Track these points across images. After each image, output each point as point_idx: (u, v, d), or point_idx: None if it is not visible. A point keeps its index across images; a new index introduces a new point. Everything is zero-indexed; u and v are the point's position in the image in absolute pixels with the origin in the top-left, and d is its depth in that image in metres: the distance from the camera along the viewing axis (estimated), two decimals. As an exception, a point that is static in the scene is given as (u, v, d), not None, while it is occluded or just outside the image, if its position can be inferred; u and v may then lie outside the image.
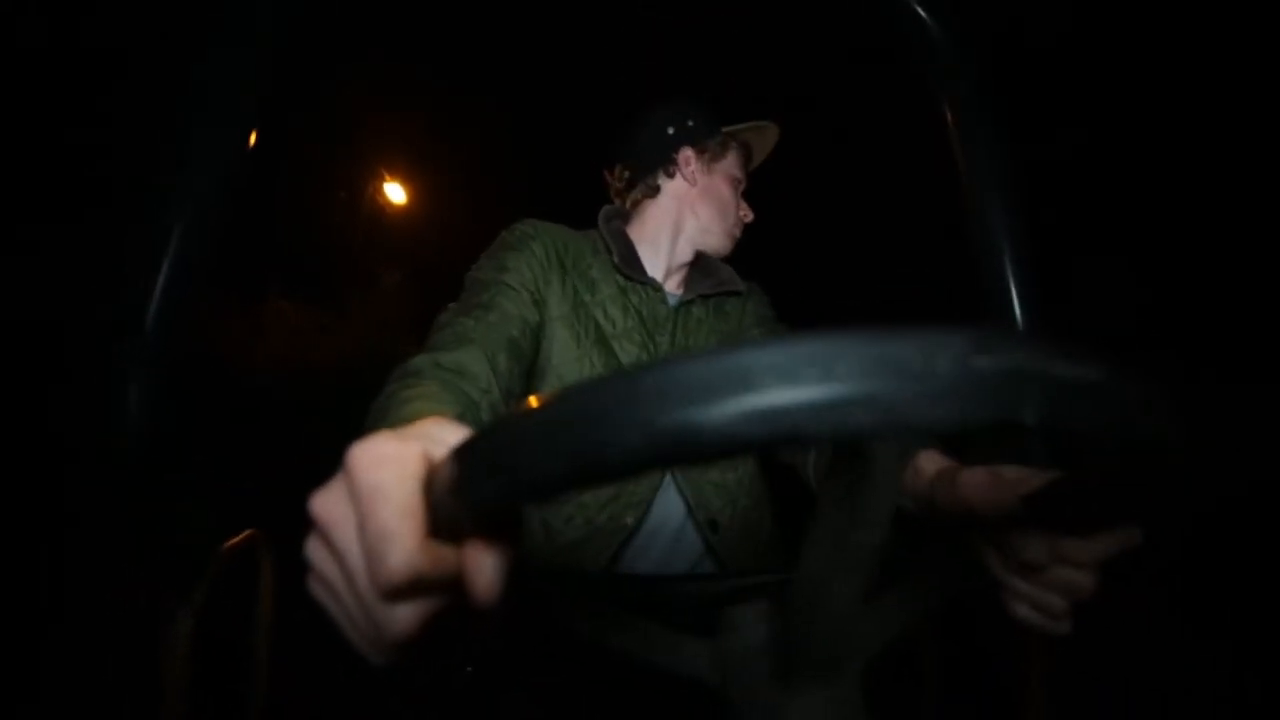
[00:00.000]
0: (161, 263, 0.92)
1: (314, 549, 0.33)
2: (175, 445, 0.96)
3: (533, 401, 0.22)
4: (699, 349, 1.04)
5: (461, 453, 0.25)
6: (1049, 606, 0.44)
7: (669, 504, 0.94)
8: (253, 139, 1.06)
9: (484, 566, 0.30)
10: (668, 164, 1.08)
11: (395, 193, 10.45)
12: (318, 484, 0.34)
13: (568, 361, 0.94)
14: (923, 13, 0.92)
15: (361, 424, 0.72)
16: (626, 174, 1.11)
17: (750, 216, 1.11)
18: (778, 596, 0.38)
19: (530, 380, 0.95)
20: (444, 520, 0.28)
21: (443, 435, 0.33)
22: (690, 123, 1.07)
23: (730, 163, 1.10)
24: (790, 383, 0.17)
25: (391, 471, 0.30)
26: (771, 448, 0.19)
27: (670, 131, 1.08)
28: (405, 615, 0.31)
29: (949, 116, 1.04)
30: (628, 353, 0.98)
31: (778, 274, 1.28)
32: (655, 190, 1.09)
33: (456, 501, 0.26)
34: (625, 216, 1.13)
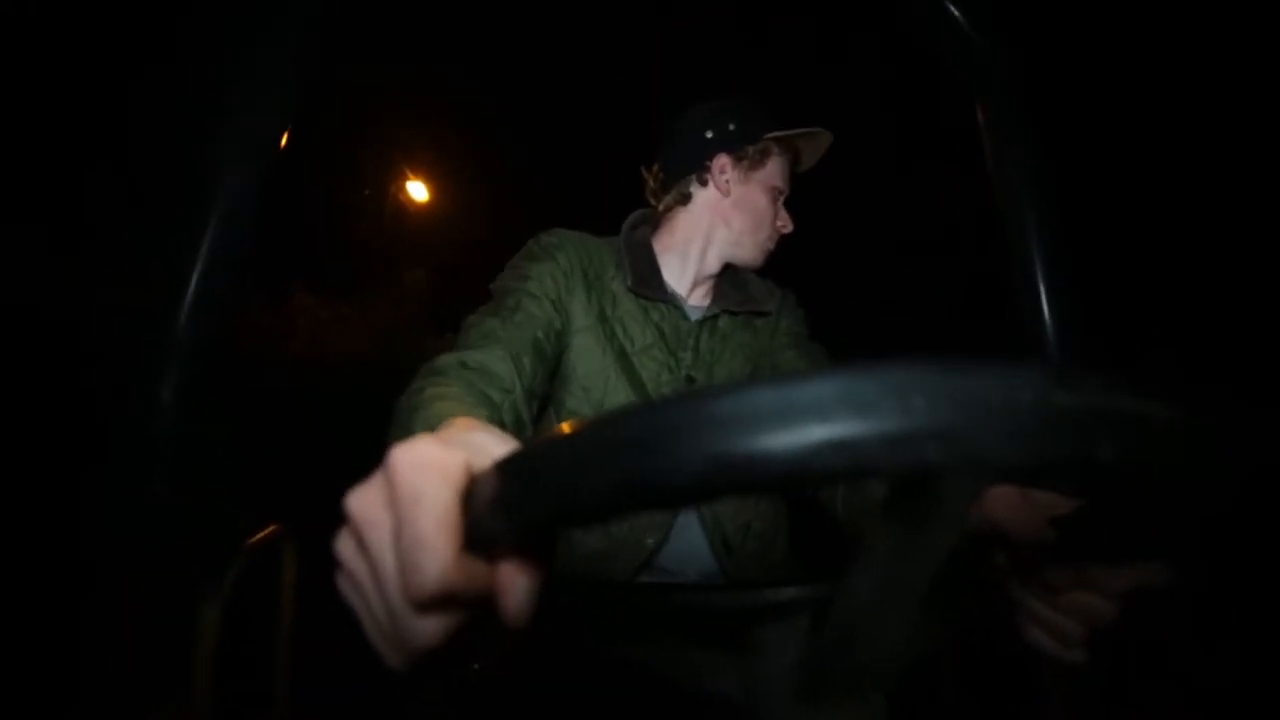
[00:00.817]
0: (196, 256, 0.93)
1: (345, 547, 0.32)
2: (206, 440, 0.97)
3: (579, 422, 0.21)
4: (732, 372, 0.99)
5: (507, 467, 0.25)
6: (1066, 632, 0.43)
7: (689, 526, 0.93)
8: (285, 136, 1.07)
9: (518, 585, 0.29)
10: (701, 171, 1.02)
11: (418, 191, 10.58)
12: (338, 478, 0.33)
13: (591, 373, 0.94)
14: (959, 16, 0.90)
15: (381, 420, 0.72)
16: (661, 176, 1.06)
17: (789, 227, 1.04)
18: (810, 620, 0.37)
19: (554, 385, 0.95)
20: (482, 535, 0.27)
21: (487, 445, 0.32)
22: (731, 126, 1.01)
23: (771, 171, 1.01)
24: (863, 414, 0.17)
25: (434, 479, 0.29)
26: (839, 480, 0.18)
27: (709, 136, 1.01)
28: (432, 626, 0.30)
29: (983, 122, 1.02)
30: (648, 369, 0.96)
31: (803, 283, 1.21)
32: (687, 198, 1.04)
33: (498, 517, 0.25)
34: (655, 223, 1.08)
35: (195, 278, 0.92)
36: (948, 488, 0.24)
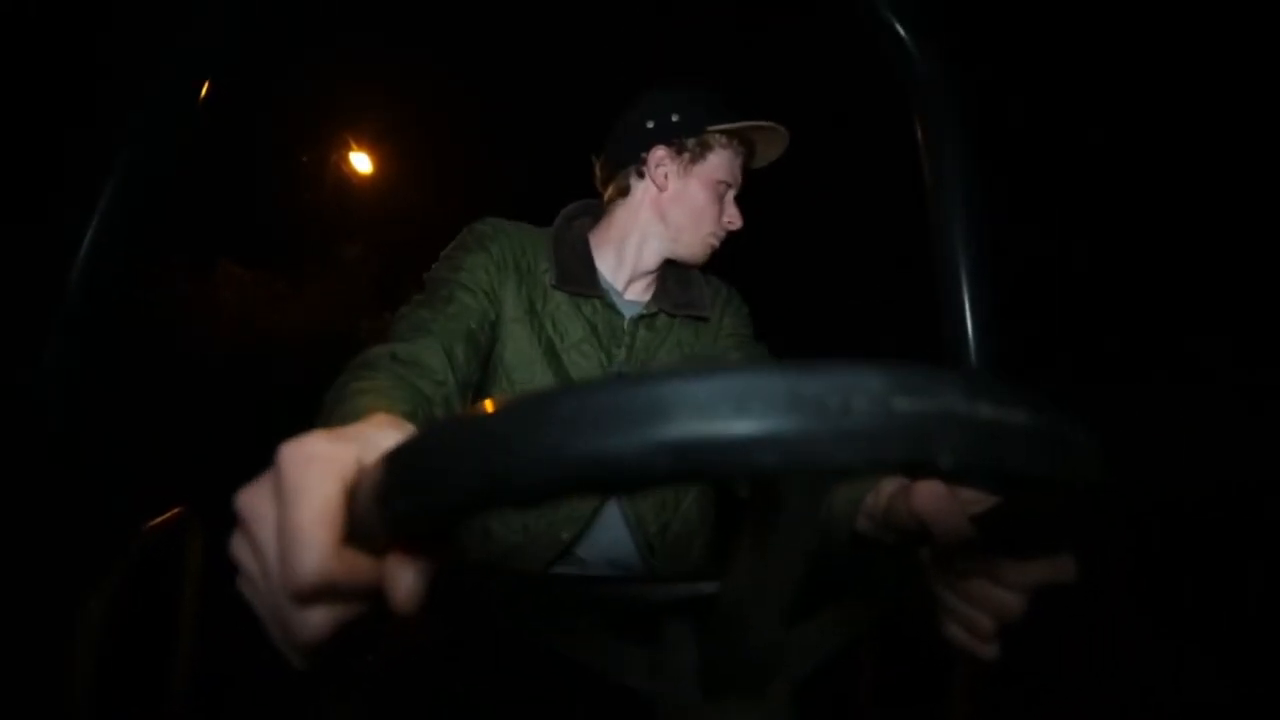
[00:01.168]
0: (89, 221, 0.86)
1: (238, 544, 0.33)
2: (100, 415, 0.90)
3: (451, 416, 0.22)
4: (660, 366, 1.03)
5: (385, 462, 0.25)
6: (978, 626, 0.44)
7: (610, 522, 0.93)
8: (203, 93, 1.00)
9: (403, 578, 0.29)
10: (638, 163, 0.98)
11: (361, 163, 10.16)
12: (266, 460, 0.32)
13: (519, 366, 0.93)
14: (900, 29, 0.91)
15: (311, 396, 0.70)
16: (604, 167, 1.04)
17: (737, 224, 1.00)
18: (703, 615, 0.37)
19: (484, 376, 0.94)
20: (363, 529, 0.27)
21: (380, 440, 0.31)
22: (675, 117, 0.96)
23: (714, 165, 0.97)
24: (701, 417, 0.17)
25: (317, 473, 0.29)
26: (680, 481, 0.19)
27: (649, 126, 0.98)
28: (317, 618, 0.30)
29: (920, 130, 1.04)
30: (578, 365, 0.95)
31: (752, 279, 1.21)
32: (626, 190, 1.01)
33: (374, 512, 0.25)
34: (596, 214, 1.06)
35: (87, 242, 0.85)
36: (791, 490, 0.24)
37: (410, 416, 0.65)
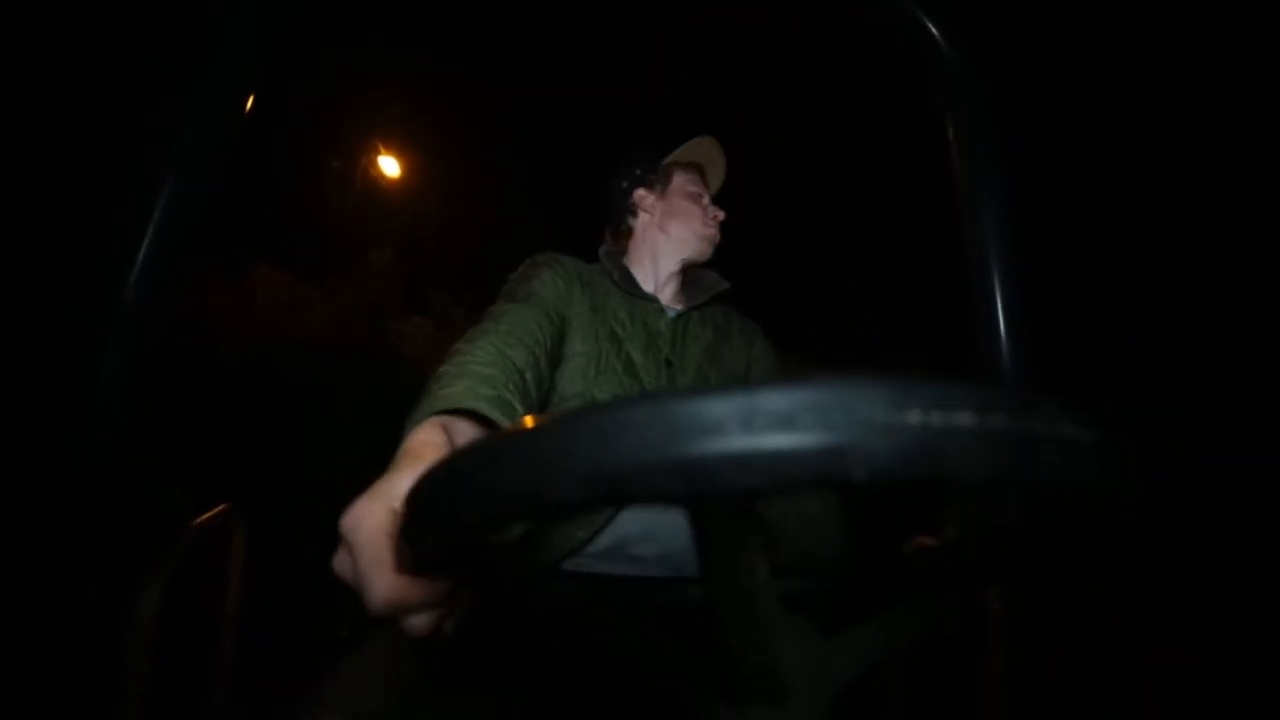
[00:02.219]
0: (144, 231, 0.90)
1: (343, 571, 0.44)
2: (150, 417, 0.94)
3: (440, 463, 0.25)
4: (698, 362, 1.14)
5: (404, 505, 0.29)
6: None
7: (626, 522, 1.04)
8: (248, 105, 1.04)
9: (442, 591, 0.39)
10: (630, 209, 1.28)
11: (389, 167, 10.31)
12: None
13: (587, 354, 1.06)
14: (931, 27, 0.91)
15: (342, 398, 0.73)
16: (608, 230, 1.31)
17: (721, 215, 1.26)
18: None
19: (554, 368, 1.05)
20: (406, 559, 0.34)
21: (400, 488, 0.41)
22: (637, 170, 1.28)
23: (680, 182, 1.27)
24: (604, 450, 0.18)
25: (365, 531, 0.41)
26: (591, 508, 0.20)
27: (624, 185, 1.29)
28: (414, 624, 0.41)
29: (950, 130, 1.03)
30: (637, 353, 1.13)
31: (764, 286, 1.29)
32: (630, 231, 1.29)
33: (412, 546, 0.31)
34: (621, 252, 1.32)
35: (143, 251, 0.89)
36: (709, 514, 0.25)
37: (493, 403, 0.69)
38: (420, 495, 0.26)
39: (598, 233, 1.34)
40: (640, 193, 1.28)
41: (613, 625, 0.44)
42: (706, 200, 1.28)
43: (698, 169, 1.31)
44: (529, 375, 0.87)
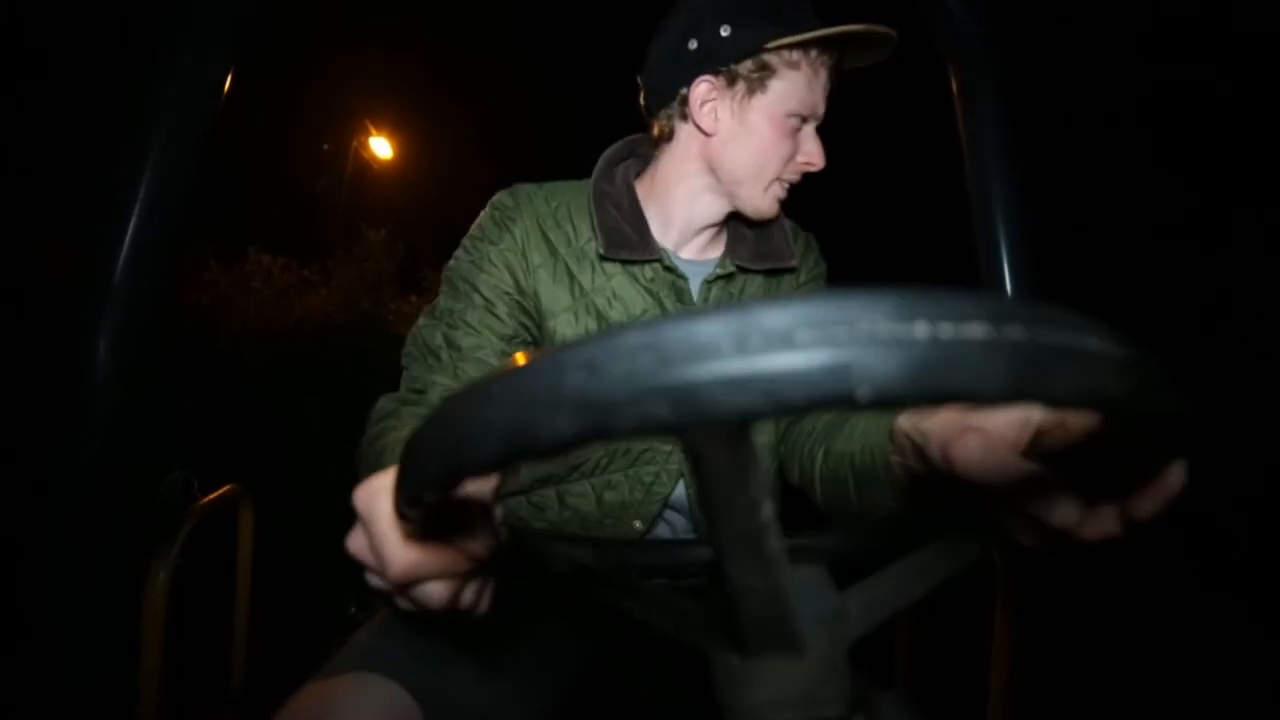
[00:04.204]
0: (130, 215, 0.89)
1: (367, 575, 0.43)
2: (151, 401, 0.94)
3: (439, 408, 0.24)
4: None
5: (400, 460, 0.28)
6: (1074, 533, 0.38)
7: (674, 518, 0.88)
8: (227, 85, 1.01)
9: (456, 557, 0.38)
10: (681, 101, 0.78)
11: (381, 147, 10.20)
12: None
13: None
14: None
15: (338, 380, 0.72)
16: (646, 97, 0.84)
17: (818, 163, 0.79)
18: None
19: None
20: (420, 520, 0.33)
21: None
22: (725, 30, 0.74)
23: (781, 94, 0.75)
24: (592, 378, 0.17)
25: (378, 501, 0.39)
26: (582, 445, 0.19)
27: (691, 47, 0.76)
28: (422, 592, 0.40)
29: (959, 99, 1.00)
30: None
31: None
32: (670, 133, 0.82)
33: (397, 508, 0.30)
34: (645, 155, 0.88)
35: (131, 233, 0.88)
36: (699, 443, 0.24)
37: None
38: (412, 446, 0.26)
39: (638, 99, 0.86)
40: (706, 85, 0.76)
41: (621, 584, 0.43)
42: (807, 133, 0.79)
43: (827, 71, 0.77)
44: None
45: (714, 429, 0.21)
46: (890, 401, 0.17)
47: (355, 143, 9.85)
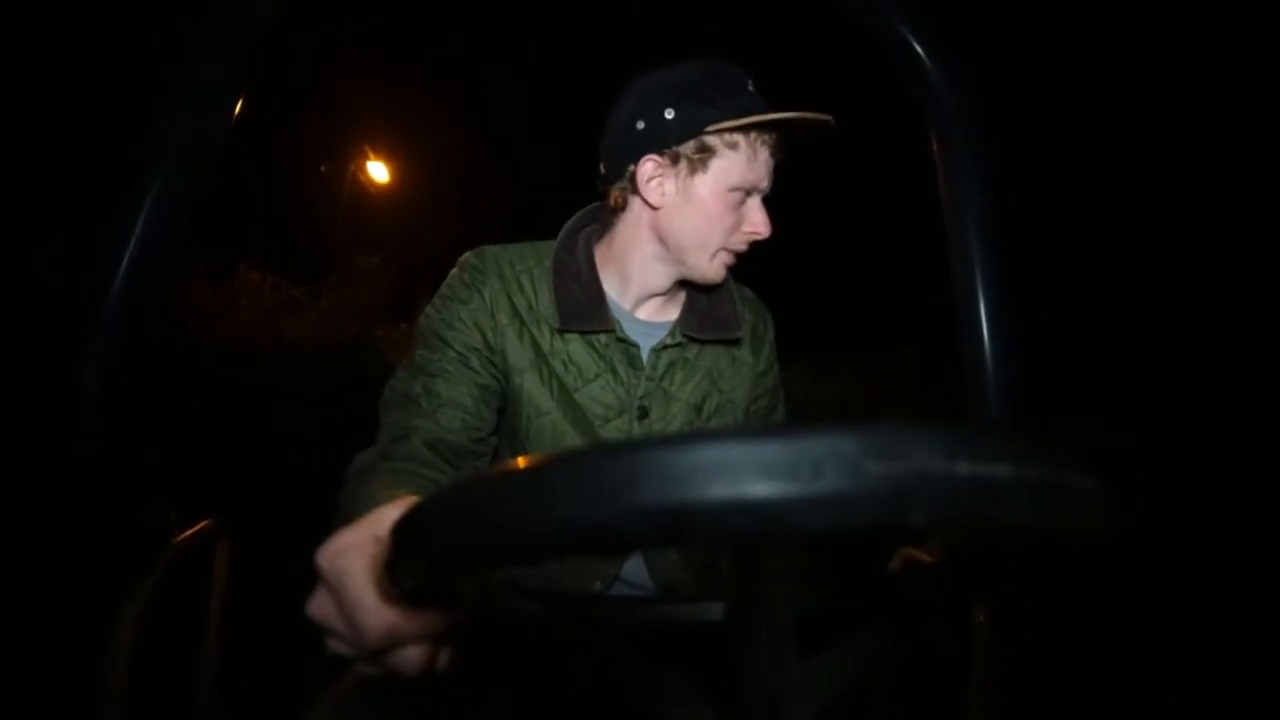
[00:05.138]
0: (128, 238, 0.89)
1: (330, 642, 0.41)
2: (132, 428, 0.93)
3: (444, 488, 0.25)
4: (693, 401, 0.90)
5: (392, 534, 0.28)
6: None
7: (636, 574, 0.91)
8: (236, 109, 1.03)
9: (439, 618, 0.37)
10: (630, 177, 0.83)
11: (378, 172, 10.28)
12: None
13: (535, 415, 0.85)
14: (915, 42, 0.92)
15: (327, 406, 0.74)
16: (601, 170, 0.88)
17: (764, 232, 0.83)
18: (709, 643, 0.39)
19: (504, 427, 0.88)
20: (398, 586, 0.33)
21: (386, 518, 0.38)
22: (670, 113, 0.77)
23: (723, 171, 0.79)
24: (676, 485, 0.17)
25: (346, 559, 0.38)
26: (661, 545, 0.19)
27: (639, 128, 0.80)
28: (408, 656, 0.39)
29: (935, 139, 1.04)
30: (597, 403, 0.86)
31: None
32: (623, 204, 0.87)
33: (396, 573, 0.30)
34: (606, 223, 0.92)
35: (126, 257, 0.88)
36: (766, 555, 0.25)
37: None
38: (412, 524, 0.26)
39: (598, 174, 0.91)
40: (651, 165, 0.81)
41: (601, 647, 0.43)
42: (752, 206, 0.83)
43: (770, 149, 0.82)
44: (473, 447, 0.79)
45: (789, 545, 0.24)
46: (939, 527, 0.18)
47: (353, 166, 9.93)
